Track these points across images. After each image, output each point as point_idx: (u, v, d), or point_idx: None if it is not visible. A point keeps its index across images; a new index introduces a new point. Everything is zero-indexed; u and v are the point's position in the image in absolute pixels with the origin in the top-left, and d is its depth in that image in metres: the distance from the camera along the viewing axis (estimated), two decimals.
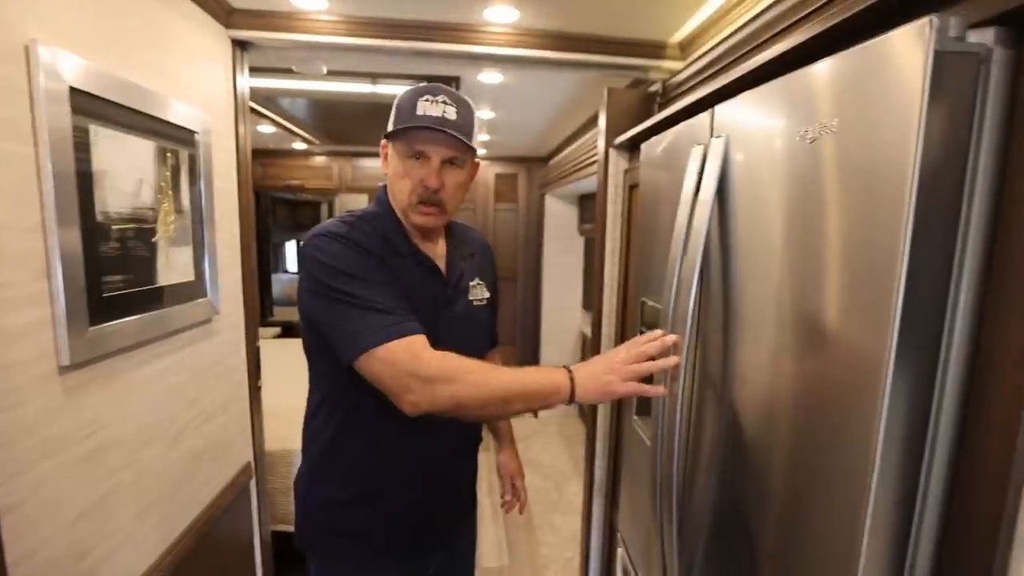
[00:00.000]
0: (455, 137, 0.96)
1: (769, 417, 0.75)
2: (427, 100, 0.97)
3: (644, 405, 1.29)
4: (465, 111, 1.00)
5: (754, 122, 0.79)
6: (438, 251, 1.11)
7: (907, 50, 0.52)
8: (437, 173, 0.98)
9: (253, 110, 3.10)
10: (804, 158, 0.66)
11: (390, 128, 1.00)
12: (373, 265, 0.95)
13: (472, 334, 1.12)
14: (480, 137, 3.72)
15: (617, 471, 1.75)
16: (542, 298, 4.44)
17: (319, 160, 4.67)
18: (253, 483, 1.82)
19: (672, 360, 0.86)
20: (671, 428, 0.92)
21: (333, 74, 2.15)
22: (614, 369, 0.85)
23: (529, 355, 4.62)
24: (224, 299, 1.58)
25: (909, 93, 0.51)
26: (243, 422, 1.75)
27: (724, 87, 0.95)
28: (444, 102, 0.98)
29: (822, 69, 0.64)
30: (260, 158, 4.72)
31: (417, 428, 0.95)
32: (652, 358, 0.88)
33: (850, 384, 0.59)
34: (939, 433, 0.57)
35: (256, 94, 2.77)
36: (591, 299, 1.90)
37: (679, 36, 1.60)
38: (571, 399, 0.86)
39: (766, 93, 0.76)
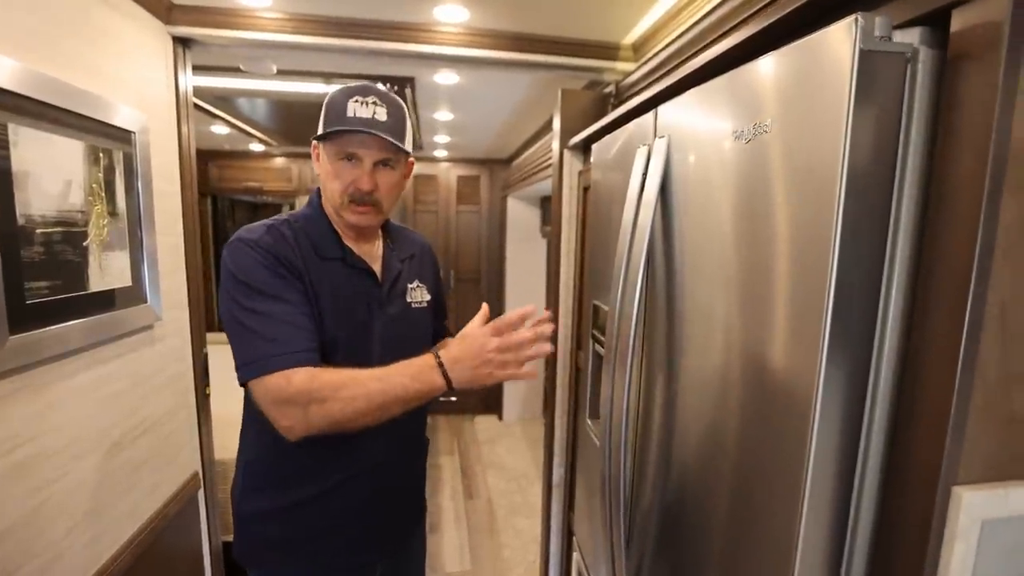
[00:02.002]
0: (386, 139, 0.96)
1: (714, 417, 0.76)
2: (357, 101, 0.96)
3: (596, 408, 1.30)
4: (396, 111, 0.99)
5: (694, 122, 0.80)
6: (374, 253, 1.09)
7: (835, 49, 0.52)
8: (369, 175, 0.98)
9: (205, 110, 3.00)
10: (741, 158, 0.67)
11: (320, 130, 0.98)
12: (278, 278, 0.93)
13: (411, 336, 1.11)
14: (439, 139, 3.70)
15: (574, 474, 1.76)
16: (505, 300, 4.43)
17: (278, 162, 4.57)
18: (201, 493, 1.75)
19: (547, 348, 0.89)
20: (618, 431, 0.92)
21: (284, 73, 2.09)
22: (487, 360, 0.86)
23: None
24: (167, 305, 1.52)
25: (838, 92, 0.51)
26: (190, 431, 1.68)
27: (669, 88, 0.96)
28: (375, 103, 0.96)
29: (756, 68, 0.65)
30: (216, 160, 4.59)
31: (349, 434, 0.94)
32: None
33: (788, 383, 0.60)
34: (873, 431, 0.57)
35: (207, 94, 2.68)
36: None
37: (632, 37, 1.61)
38: (449, 391, 0.88)
39: (705, 93, 0.77)
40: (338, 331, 0.99)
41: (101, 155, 1.24)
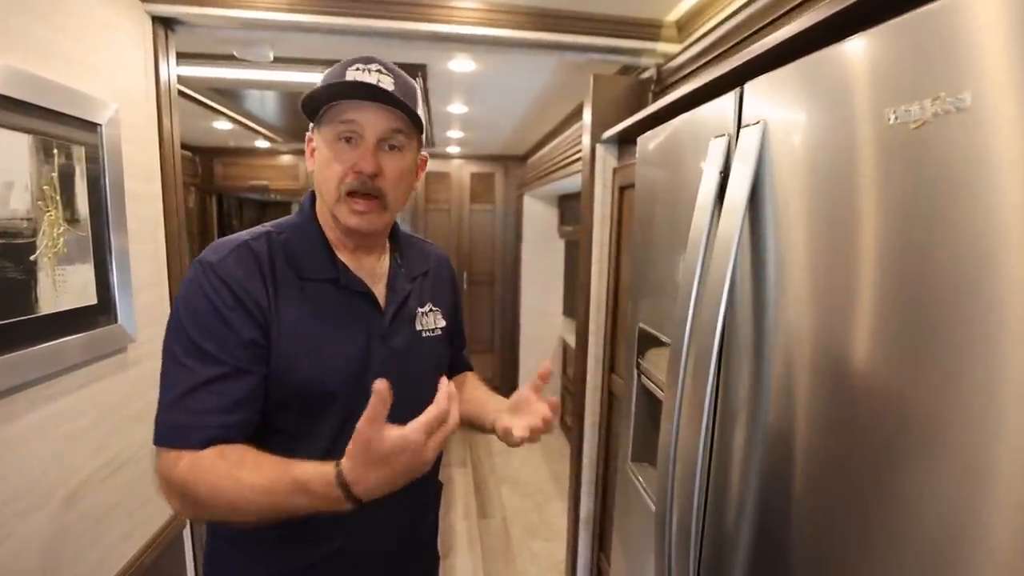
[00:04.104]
0: (395, 108, 0.76)
1: (831, 497, 0.55)
2: (358, 69, 0.77)
3: (641, 450, 1.09)
4: (405, 83, 0.80)
5: (807, 103, 0.58)
6: (377, 270, 0.89)
7: None
8: (372, 154, 0.77)
9: (205, 105, 2.83)
10: (903, 151, 0.46)
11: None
12: (224, 326, 0.75)
13: (419, 372, 0.89)
14: (453, 134, 3.49)
15: (606, 509, 1.55)
16: (520, 302, 4.23)
17: (284, 159, 4.41)
18: (188, 532, 1.57)
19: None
20: (687, 494, 0.71)
21: (282, 61, 1.90)
22: (421, 464, 0.65)
23: (508, 362, 4.41)
24: (144, 322, 1.33)
25: None
26: None
27: (755, 59, 0.74)
28: (379, 71, 0.77)
29: (933, 18, 0.43)
30: (221, 157, 4.48)
31: None
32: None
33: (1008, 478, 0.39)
34: None
35: (202, 85, 2.50)
36: (572, 304, 1.69)
37: (676, 14, 1.39)
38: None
39: (828, 61, 0.55)
40: (323, 375, 0.79)
41: (56, 151, 1.05)
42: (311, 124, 0.83)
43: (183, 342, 0.75)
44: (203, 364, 0.73)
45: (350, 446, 0.62)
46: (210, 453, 0.70)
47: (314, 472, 0.65)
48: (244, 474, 0.67)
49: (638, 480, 1.06)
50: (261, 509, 0.67)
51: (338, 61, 0.81)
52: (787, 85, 0.61)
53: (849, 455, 0.53)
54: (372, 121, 0.76)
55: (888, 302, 0.48)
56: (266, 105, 3.20)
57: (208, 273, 0.76)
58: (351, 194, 0.78)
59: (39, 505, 1.01)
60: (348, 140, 0.77)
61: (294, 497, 0.65)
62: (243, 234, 0.83)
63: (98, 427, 1.18)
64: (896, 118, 0.46)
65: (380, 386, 0.61)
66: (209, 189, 4.52)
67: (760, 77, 0.65)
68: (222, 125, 3.54)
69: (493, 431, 0.89)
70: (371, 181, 0.77)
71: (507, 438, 0.81)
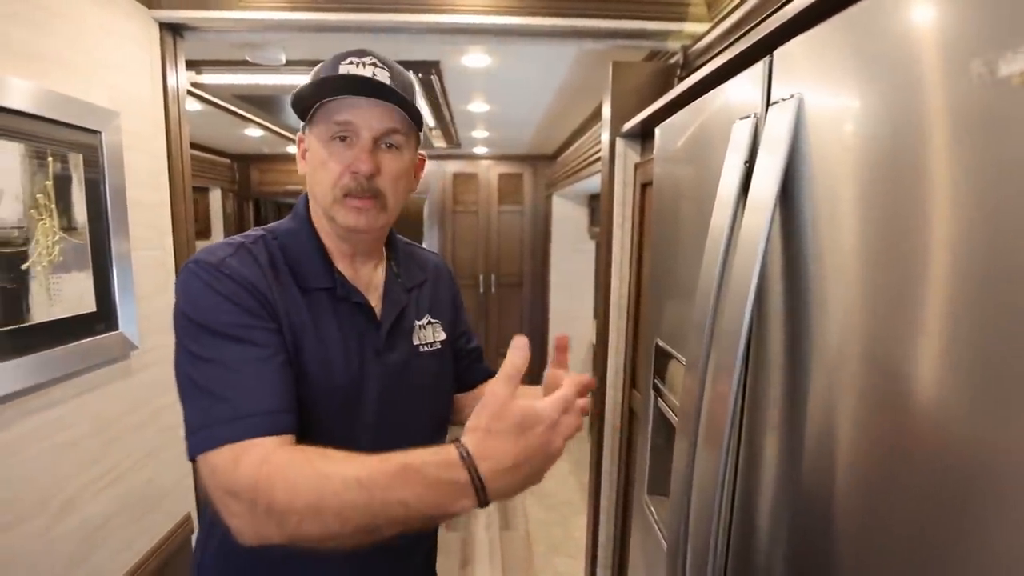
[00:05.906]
0: (392, 103, 0.70)
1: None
2: (351, 62, 0.72)
3: (658, 481, 0.97)
4: (400, 77, 0.75)
5: (855, 66, 0.47)
6: (374, 280, 0.82)
7: None
8: (369, 153, 0.71)
9: (230, 111, 2.84)
10: (997, 117, 0.34)
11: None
12: (245, 314, 0.66)
13: (417, 392, 0.81)
14: (477, 134, 3.43)
15: (626, 537, 1.44)
16: (549, 306, 4.12)
17: None
18: (196, 536, 1.54)
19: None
20: (702, 546, 0.61)
21: (295, 64, 1.86)
22: (553, 453, 0.55)
23: (536, 367, 4.29)
24: (149, 330, 1.31)
25: None
26: (179, 469, 1.47)
27: (790, 21, 0.61)
28: (373, 64, 0.72)
29: None
30: (258, 163, 4.61)
31: None
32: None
33: None
34: None
35: (225, 92, 2.51)
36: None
37: None
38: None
39: (882, 5, 0.44)
40: (316, 394, 0.72)
41: (51, 159, 1.02)
42: (303, 124, 0.77)
43: (208, 343, 0.64)
44: (239, 351, 0.64)
45: (477, 410, 0.54)
46: (284, 445, 0.60)
47: (427, 453, 0.53)
48: (333, 467, 0.55)
49: (653, 516, 0.95)
50: (353, 511, 0.53)
51: None
52: (829, 46, 0.50)
53: (909, 501, 0.41)
54: (368, 119, 0.71)
55: (963, 322, 0.37)
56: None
57: (212, 272, 0.67)
58: (348, 195, 0.72)
59: (29, 516, 0.98)
60: (343, 139, 0.72)
61: (401, 489, 0.52)
62: (235, 237, 0.76)
63: (96, 436, 1.16)
64: (988, 70, 0.34)
65: (522, 341, 0.56)
66: (246, 195, 4.62)
67: (793, 40, 0.54)
68: (253, 132, 3.58)
69: None
70: (368, 181, 0.72)
71: None
